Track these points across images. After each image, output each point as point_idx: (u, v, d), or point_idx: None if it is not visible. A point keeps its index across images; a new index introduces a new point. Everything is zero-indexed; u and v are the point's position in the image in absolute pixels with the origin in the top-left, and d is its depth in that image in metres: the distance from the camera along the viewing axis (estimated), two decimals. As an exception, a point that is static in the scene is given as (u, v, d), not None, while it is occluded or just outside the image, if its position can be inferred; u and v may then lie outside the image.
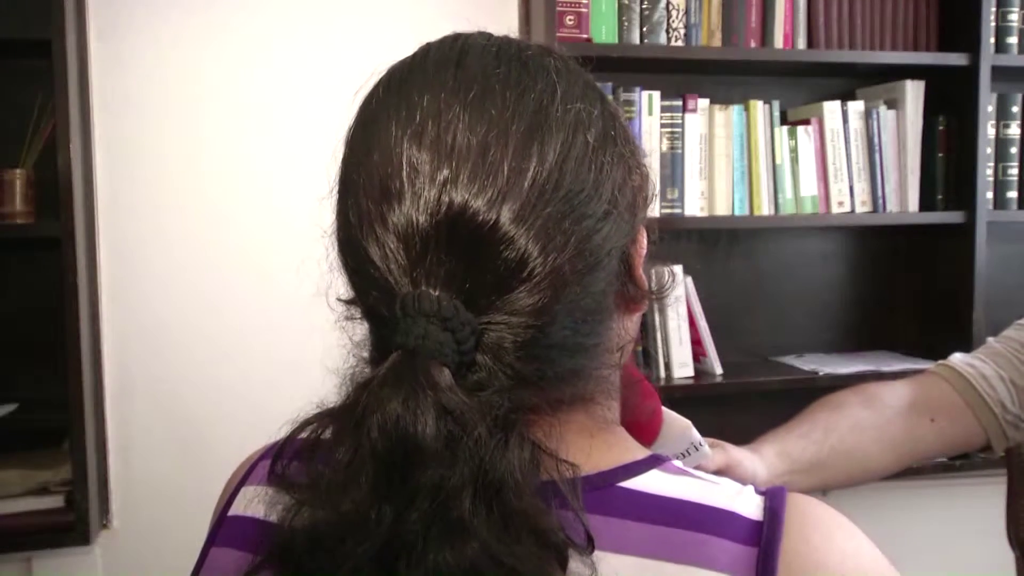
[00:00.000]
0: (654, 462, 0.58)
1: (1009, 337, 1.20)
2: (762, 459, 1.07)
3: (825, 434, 1.13)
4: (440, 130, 0.53)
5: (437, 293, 0.51)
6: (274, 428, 0.56)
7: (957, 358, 1.21)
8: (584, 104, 0.57)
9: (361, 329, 0.58)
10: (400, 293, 0.52)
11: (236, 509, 0.64)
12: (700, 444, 0.96)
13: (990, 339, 1.24)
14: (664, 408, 0.91)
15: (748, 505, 0.54)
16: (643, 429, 0.87)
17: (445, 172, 0.52)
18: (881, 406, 1.17)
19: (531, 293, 0.52)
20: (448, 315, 0.50)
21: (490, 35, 0.60)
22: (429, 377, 0.49)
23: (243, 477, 0.65)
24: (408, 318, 0.50)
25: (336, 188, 0.58)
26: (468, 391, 0.50)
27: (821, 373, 2.08)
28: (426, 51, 0.59)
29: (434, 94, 0.54)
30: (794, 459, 1.10)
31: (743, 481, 1.02)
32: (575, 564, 0.49)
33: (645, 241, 0.61)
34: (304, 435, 0.53)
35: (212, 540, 0.64)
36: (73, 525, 1.77)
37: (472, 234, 0.51)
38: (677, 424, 0.93)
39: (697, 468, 0.96)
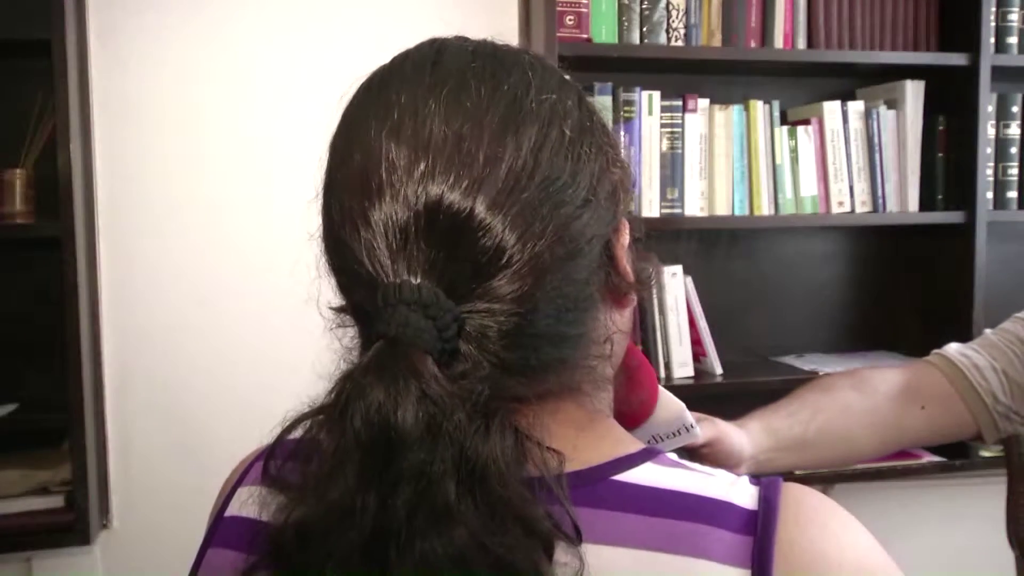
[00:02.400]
0: (647, 455, 0.58)
1: (1005, 329, 1.21)
2: (748, 434, 1.08)
3: (813, 414, 1.13)
4: (417, 125, 0.54)
5: (418, 281, 0.52)
6: (274, 429, 0.56)
7: (952, 348, 1.21)
8: (559, 95, 0.58)
9: (352, 334, 0.58)
10: (382, 284, 0.52)
11: (232, 510, 0.64)
12: (692, 425, 0.96)
13: (987, 331, 1.24)
14: (660, 388, 0.92)
15: (743, 495, 0.55)
16: (635, 409, 0.87)
17: (422, 165, 0.53)
18: (871, 391, 1.17)
19: (511, 280, 0.52)
20: (428, 302, 0.51)
21: (467, 38, 0.61)
22: (410, 365, 0.49)
23: (239, 478, 0.66)
24: (389, 307, 0.51)
25: (321, 191, 0.59)
26: (451, 380, 0.50)
27: (821, 373, 2.08)
28: (404, 55, 0.60)
29: (411, 92, 0.56)
30: (780, 436, 1.10)
31: (728, 454, 1.03)
32: (565, 556, 0.50)
33: (628, 234, 0.62)
34: (297, 435, 0.53)
35: (209, 541, 0.64)
36: (73, 525, 1.77)
37: (449, 223, 0.52)
38: (672, 406, 0.93)
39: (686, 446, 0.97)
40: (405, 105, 0.55)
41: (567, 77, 0.61)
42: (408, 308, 0.51)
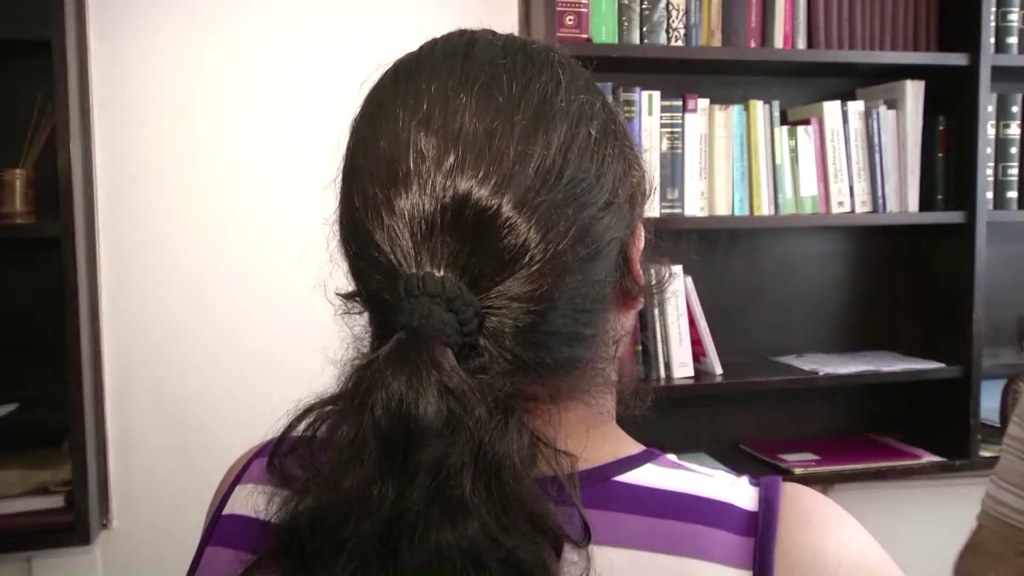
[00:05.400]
0: (649, 456, 0.58)
1: (1013, 436, 1.24)
2: None
3: None
4: (447, 117, 0.54)
5: (441, 274, 0.52)
6: (274, 427, 0.56)
7: (987, 500, 1.26)
8: (588, 96, 0.58)
9: (360, 322, 0.58)
10: (404, 274, 0.52)
11: (231, 507, 0.64)
12: None
13: (1003, 447, 1.26)
14: None
15: (743, 496, 0.55)
16: None
17: (451, 158, 0.52)
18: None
19: (532, 278, 0.53)
20: (452, 295, 0.51)
21: (495, 32, 0.61)
22: (432, 357, 0.49)
23: (237, 475, 0.66)
24: (412, 298, 0.51)
25: (340, 176, 0.59)
26: (470, 373, 0.50)
27: (821, 373, 2.08)
28: (433, 44, 0.60)
29: (441, 82, 0.55)
30: None
31: None
32: (571, 555, 0.50)
33: (643, 237, 0.62)
34: (300, 431, 0.53)
35: (207, 539, 0.64)
36: (73, 525, 1.77)
37: (475, 219, 0.52)
38: None
39: None
40: (435, 95, 0.55)
41: (590, 77, 0.61)
42: (431, 300, 0.51)
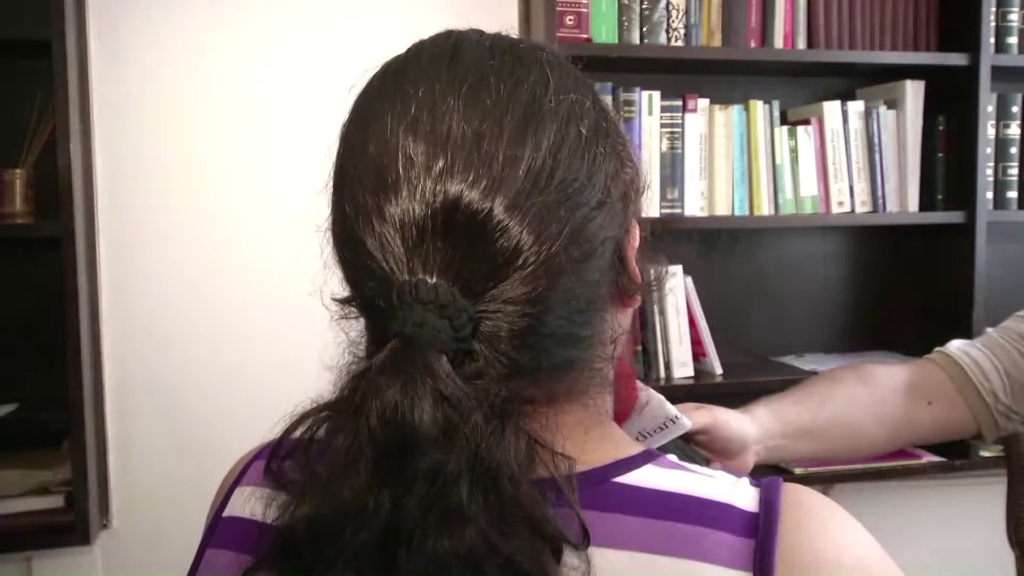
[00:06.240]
0: (648, 457, 0.58)
1: (1007, 328, 1.21)
2: (754, 420, 1.06)
3: (821, 403, 1.12)
4: (435, 121, 0.53)
5: (434, 281, 0.51)
6: (274, 428, 0.56)
7: (954, 346, 1.21)
8: (577, 95, 0.57)
9: (357, 326, 0.58)
10: (397, 282, 0.52)
11: (231, 510, 0.64)
12: (677, 417, 0.94)
13: (989, 329, 1.24)
14: (639, 383, 0.91)
15: (743, 497, 0.54)
16: (616, 408, 0.86)
17: (440, 162, 0.52)
18: (877, 384, 1.16)
19: (526, 281, 0.52)
20: (445, 302, 0.50)
21: (483, 31, 0.60)
22: (427, 364, 0.49)
23: (237, 478, 0.65)
24: (405, 305, 0.51)
25: (331, 182, 0.58)
26: (465, 379, 0.50)
27: (821, 373, 2.08)
28: (420, 46, 0.59)
29: (429, 86, 0.55)
30: (788, 422, 1.09)
31: (729, 440, 1.02)
32: (570, 559, 0.49)
33: (638, 234, 0.62)
34: (298, 435, 0.53)
35: (207, 541, 0.63)
36: (73, 525, 1.76)
37: (467, 223, 0.52)
38: (652, 400, 0.92)
39: (683, 438, 0.95)
40: (423, 99, 0.54)
41: (581, 74, 0.61)
42: (424, 307, 0.50)
